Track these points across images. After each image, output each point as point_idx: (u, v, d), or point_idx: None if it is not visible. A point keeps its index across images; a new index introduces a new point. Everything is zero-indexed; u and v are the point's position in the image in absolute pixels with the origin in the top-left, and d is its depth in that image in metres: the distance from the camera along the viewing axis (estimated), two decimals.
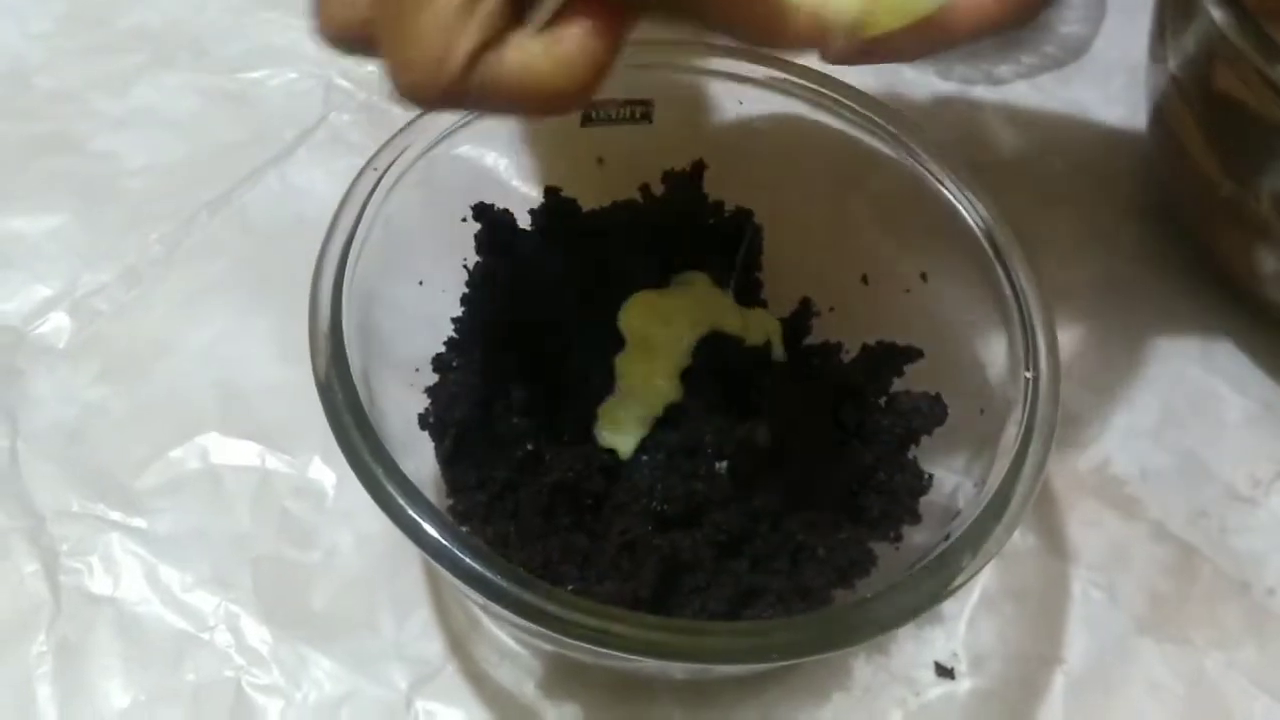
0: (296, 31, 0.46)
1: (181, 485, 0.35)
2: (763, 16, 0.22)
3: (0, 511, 0.34)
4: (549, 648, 0.32)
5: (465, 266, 0.34)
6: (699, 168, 0.35)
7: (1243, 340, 0.41)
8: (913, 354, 0.33)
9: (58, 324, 0.38)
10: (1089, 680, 0.34)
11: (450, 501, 0.31)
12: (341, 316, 0.28)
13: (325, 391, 0.27)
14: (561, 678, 0.33)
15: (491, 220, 0.34)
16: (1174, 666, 0.34)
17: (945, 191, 0.32)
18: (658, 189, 0.36)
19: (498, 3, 0.20)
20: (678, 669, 0.31)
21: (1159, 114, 0.42)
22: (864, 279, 0.35)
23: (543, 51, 0.21)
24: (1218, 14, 0.34)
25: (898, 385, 0.34)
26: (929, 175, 0.33)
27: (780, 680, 0.33)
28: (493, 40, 0.21)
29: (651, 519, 0.30)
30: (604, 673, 0.32)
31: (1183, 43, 0.38)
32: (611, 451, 0.31)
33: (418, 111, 0.31)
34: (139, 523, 0.34)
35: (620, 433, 0.31)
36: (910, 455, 0.32)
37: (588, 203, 0.35)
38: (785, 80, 0.34)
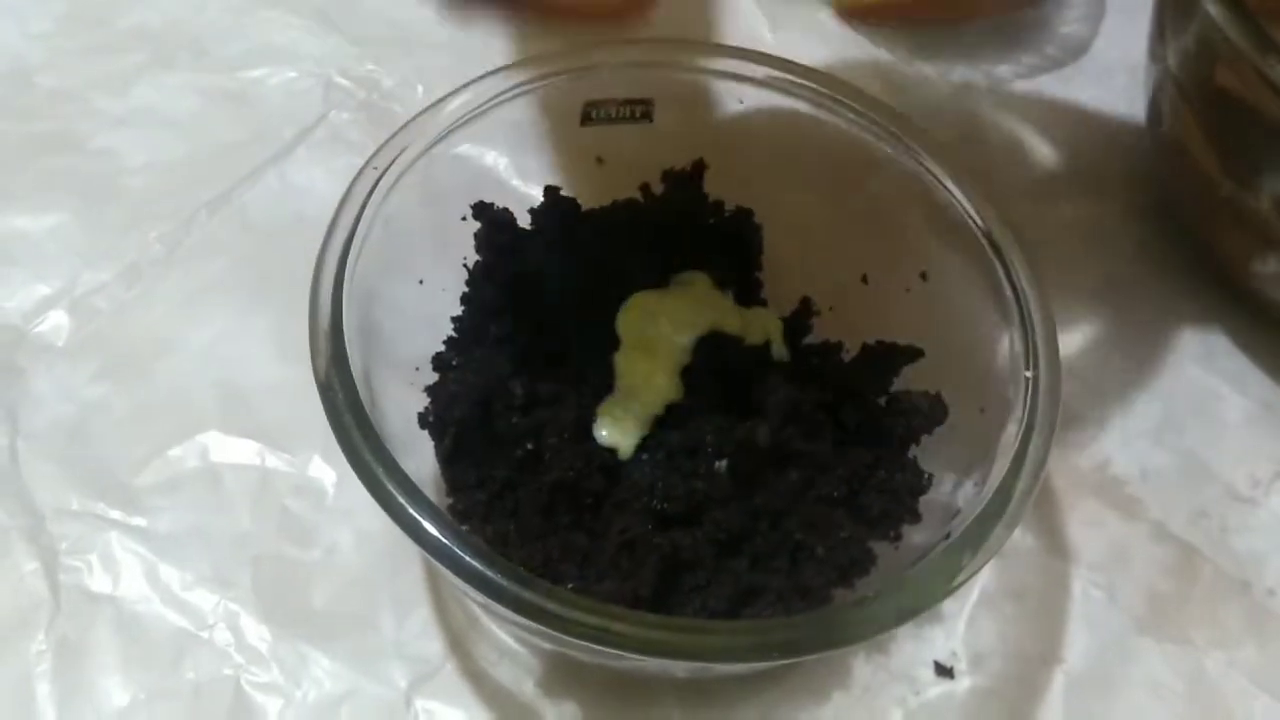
0: (296, 30, 0.46)
1: (181, 484, 0.35)
2: None
3: (0, 509, 0.34)
4: (549, 646, 0.32)
5: (465, 266, 0.34)
6: (699, 167, 0.35)
7: (1243, 340, 0.41)
8: (913, 354, 0.33)
9: (57, 322, 0.38)
10: (1089, 680, 0.34)
11: (450, 500, 0.31)
12: (342, 316, 0.28)
13: (325, 391, 0.27)
14: (561, 676, 0.32)
15: (491, 219, 0.34)
16: (1174, 666, 0.34)
17: (945, 191, 0.32)
18: (658, 188, 0.36)
19: None
20: (678, 668, 0.31)
21: (1159, 114, 0.42)
22: (864, 279, 0.35)
23: None
24: (1217, 13, 0.34)
25: (898, 385, 0.34)
26: (929, 175, 0.33)
27: (780, 680, 0.33)
28: None
29: (651, 518, 0.30)
30: (603, 672, 0.32)
31: (1182, 42, 0.38)
32: (611, 450, 0.31)
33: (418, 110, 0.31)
34: (139, 521, 0.34)
35: (620, 432, 0.32)
36: (910, 454, 0.32)
37: (588, 202, 0.35)
38: (785, 80, 0.34)
